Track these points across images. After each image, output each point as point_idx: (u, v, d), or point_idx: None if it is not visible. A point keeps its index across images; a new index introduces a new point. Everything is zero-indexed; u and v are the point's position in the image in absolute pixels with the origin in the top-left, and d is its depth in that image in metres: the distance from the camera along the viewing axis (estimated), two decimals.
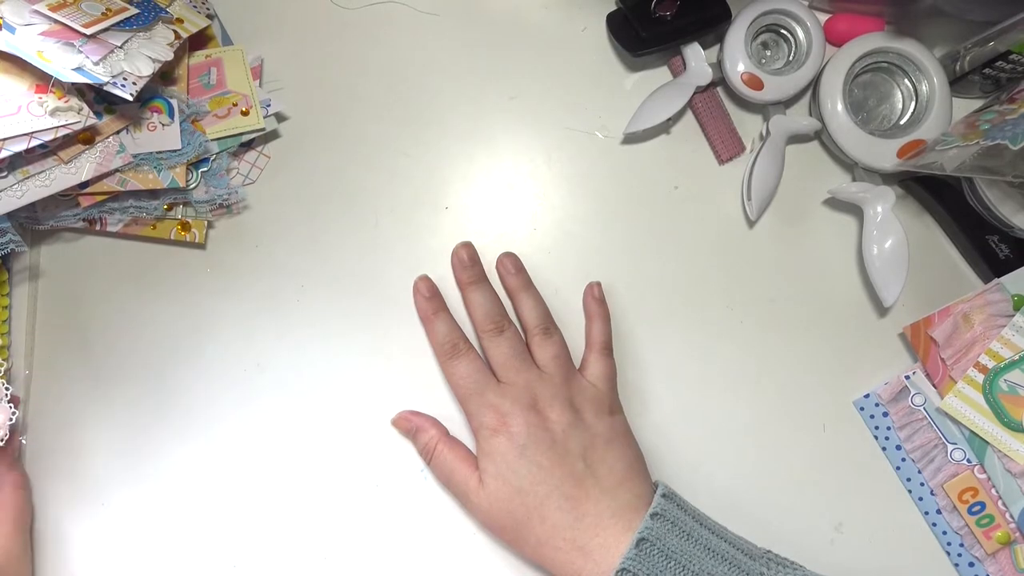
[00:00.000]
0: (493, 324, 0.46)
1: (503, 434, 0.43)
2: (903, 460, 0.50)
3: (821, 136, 0.54)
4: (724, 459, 0.50)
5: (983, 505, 0.48)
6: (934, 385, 0.49)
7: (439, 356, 0.47)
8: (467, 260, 0.48)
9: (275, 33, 0.53)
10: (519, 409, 0.43)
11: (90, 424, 0.48)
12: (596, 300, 0.49)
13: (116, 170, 0.46)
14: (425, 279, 0.49)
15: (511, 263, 0.49)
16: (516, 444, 0.42)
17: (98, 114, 0.45)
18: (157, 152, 0.47)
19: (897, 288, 0.49)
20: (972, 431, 0.48)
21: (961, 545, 0.49)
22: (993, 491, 0.48)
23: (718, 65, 0.52)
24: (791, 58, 0.53)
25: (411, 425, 0.47)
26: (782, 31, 0.53)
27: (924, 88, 0.52)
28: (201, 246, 0.50)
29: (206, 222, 0.50)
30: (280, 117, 0.52)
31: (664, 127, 0.53)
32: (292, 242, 0.51)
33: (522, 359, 0.45)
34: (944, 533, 0.49)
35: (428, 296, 0.48)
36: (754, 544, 0.43)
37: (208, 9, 0.52)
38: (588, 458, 0.43)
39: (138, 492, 0.47)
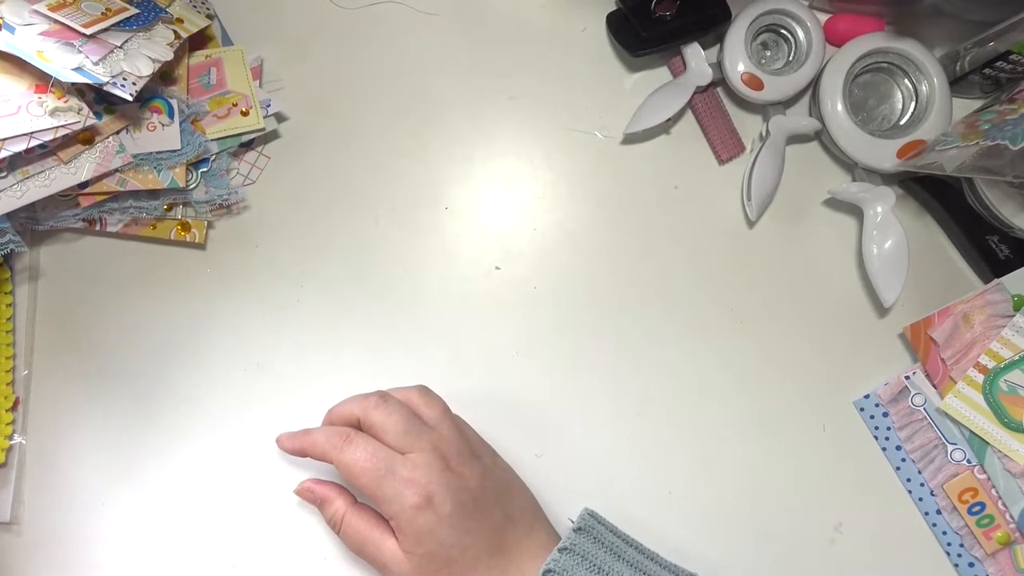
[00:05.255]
0: (376, 396, 0.42)
1: (429, 510, 0.39)
2: (903, 460, 0.50)
3: (821, 136, 0.54)
4: (724, 459, 0.50)
5: (983, 505, 0.48)
6: (934, 385, 0.49)
7: (332, 454, 0.41)
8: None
9: (275, 33, 0.53)
10: (437, 476, 0.39)
11: (90, 424, 0.48)
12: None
13: (116, 170, 0.46)
14: (282, 440, 0.44)
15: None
16: (443, 516, 0.39)
17: (98, 114, 0.45)
18: (157, 152, 0.47)
19: (897, 288, 0.49)
20: (972, 431, 0.48)
21: (961, 545, 0.49)
22: (993, 491, 0.48)
23: (718, 65, 0.52)
24: (791, 58, 0.53)
25: (315, 496, 0.43)
26: (782, 31, 0.53)
27: (924, 88, 0.52)
28: (201, 246, 0.50)
29: (206, 222, 0.50)
30: (280, 117, 0.52)
31: (664, 127, 0.53)
32: (292, 242, 0.51)
33: (417, 421, 0.42)
34: (944, 533, 0.49)
35: (290, 439, 0.44)
36: (681, 568, 0.42)
37: (208, 9, 0.52)
38: (503, 504, 0.41)
39: (138, 491, 0.47)
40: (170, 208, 0.49)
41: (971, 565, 0.48)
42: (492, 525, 0.40)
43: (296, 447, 0.43)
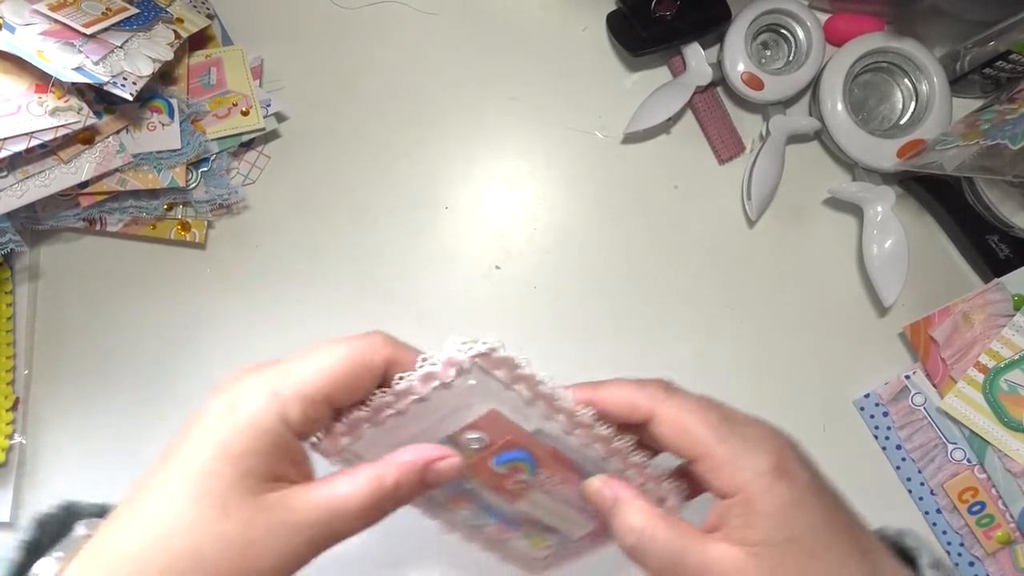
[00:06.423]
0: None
1: (786, 476, 0.28)
2: (903, 460, 0.50)
3: (821, 136, 0.54)
4: None
5: (983, 505, 0.48)
6: (934, 385, 0.49)
7: (650, 403, 0.30)
8: None
9: (275, 33, 0.53)
10: (775, 433, 0.30)
11: (90, 423, 0.48)
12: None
13: (116, 170, 0.46)
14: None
15: None
16: (804, 484, 0.28)
17: (98, 114, 0.45)
18: (157, 152, 0.47)
19: (897, 288, 0.49)
20: (972, 431, 0.48)
21: (961, 545, 0.49)
22: (993, 491, 0.48)
23: (718, 65, 0.52)
24: (791, 58, 0.53)
25: (612, 494, 0.30)
26: (782, 31, 0.53)
27: (924, 88, 0.52)
28: (201, 246, 0.50)
29: (206, 222, 0.50)
30: (280, 117, 0.52)
31: (664, 127, 0.53)
32: (292, 242, 0.51)
33: None
34: (944, 533, 0.49)
35: (577, 388, 0.31)
36: None
37: (208, 9, 0.52)
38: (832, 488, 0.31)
39: None
40: (170, 208, 0.49)
41: (971, 564, 0.48)
42: (843, 508, 0.29)
43: (583, 398, 0.31)
